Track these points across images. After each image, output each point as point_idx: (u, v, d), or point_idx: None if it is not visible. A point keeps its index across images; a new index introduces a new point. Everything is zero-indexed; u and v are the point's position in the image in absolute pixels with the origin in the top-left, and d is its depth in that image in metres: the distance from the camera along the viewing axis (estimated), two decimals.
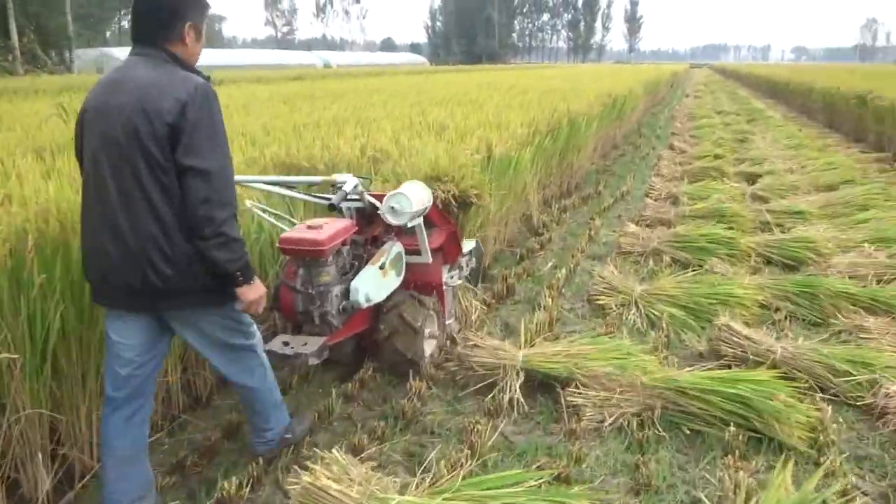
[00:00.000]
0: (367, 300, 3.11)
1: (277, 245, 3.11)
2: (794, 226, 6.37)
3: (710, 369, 3.37)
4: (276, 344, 3.01)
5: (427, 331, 3.55)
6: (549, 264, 5.55)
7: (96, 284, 2.30)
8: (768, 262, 5.55)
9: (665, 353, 3.76)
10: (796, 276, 4.74)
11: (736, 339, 3.55)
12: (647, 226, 6.66)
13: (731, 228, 6.28)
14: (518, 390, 3.28)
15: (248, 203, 3.27)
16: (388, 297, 3.35)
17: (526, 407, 3.26)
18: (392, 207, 3.17)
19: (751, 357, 3.48)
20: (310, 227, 3.06)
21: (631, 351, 3.55)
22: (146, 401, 2.44)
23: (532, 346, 3.63)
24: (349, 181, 3.14)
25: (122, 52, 42.34)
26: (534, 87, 12.92)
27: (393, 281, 3.34)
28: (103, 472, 2.40)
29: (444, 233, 3.70)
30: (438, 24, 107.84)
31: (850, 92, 14.30)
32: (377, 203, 3.27)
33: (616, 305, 4.52)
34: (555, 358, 3.39)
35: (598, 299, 4.61)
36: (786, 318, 4.33)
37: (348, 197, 3.14)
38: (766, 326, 4.22)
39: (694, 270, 5.25)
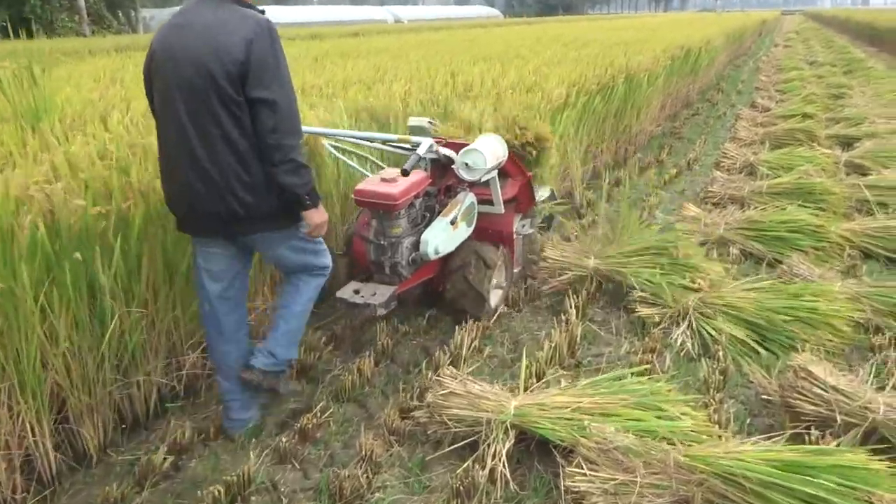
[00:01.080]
0: (437, 252, 3.14)
1: (352, 196, 3.13)
2: None
3: (777, 437, 2.40)
4: (347, 291, 3.09)
5: (494, 281, 3.55)
6: None
7: (182, 214, 2.44)
8: (867, 256, 4.40)
9: (717, 400, 2.77)
10: None
11: (818, 390, 2.53)
12: (715, 204, 5.55)
13: (819, 210, 5.10)
14: (504, 458, 2.39)
15: (326, 144, 3.44)
16: (457, 250, 3.36)
17: (514, 485, 2.37)
18: (466, 164, 3.19)
19: (840, 417, 2.46)
20: (384, 180, 3.07)
21: (669, 398, 2.59)
22: (241, 307, 2.66)
23: (531, 389, 2.71)
24: (423, 143, 3.15)
25: None
26: (600, 39, 11.64)
27: (463, 232, 3.35)
28: (211, 349, 2.69)
29: (517, 183, 3.69)
30: None
31: None
32: (452, 156, 3.25)
33: (662, 318, 3.53)
34: (558, 411, 2.47)
35: (638, 310, 3.63)
36: (890, 343, 3.25)
37: (423, 157, 3.16)
38: (862, 360, 3.16)
39: (768, 270, 4.18)
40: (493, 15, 64.46)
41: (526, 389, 2.73)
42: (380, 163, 3.76)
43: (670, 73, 9.18)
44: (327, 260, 2.72)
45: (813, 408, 2.49)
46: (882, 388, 2.69)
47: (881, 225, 4.57)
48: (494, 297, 3.63)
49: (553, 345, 3.20)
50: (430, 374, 2.99)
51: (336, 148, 3.52)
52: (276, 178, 2.32)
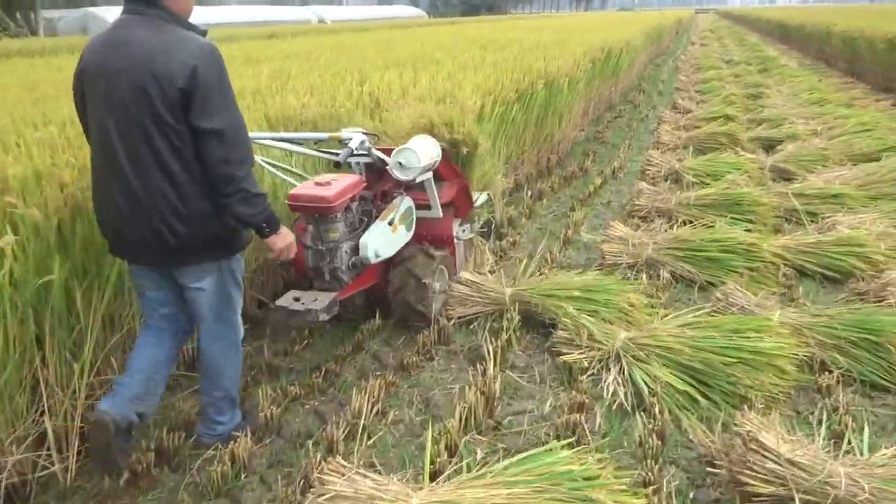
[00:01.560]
0: (377, 256, 3.13)
1: (286, 202, 3.05)
2: (831, 215, 4.93)
3: None
4: (286, 300, 3.02)
5: (437, 285, 3.51)
6: None
7: (111, 238, 2.35)
8: (802, 273, 4.14)
9: (655, 472, 2.37)
10: (845, 314, 3.29)
11: (771, 464, 2.16)
12: (642, 218, 5.23)
13: (749, 222, 4.86)
14: None
15: (259, 159, 3.20)
16: (399, 252, 3.34)
17: None
18: (400, 163, 3.18)
19: (798, 497, 2.09)
20: (318, 184, 3.04)
21: (601, 482, 2.17)
22: (179, 339, 2.56)
23: (440, 475, 2.24)
24: (355, 137, 3.13)
25: (108, 13, 41.11)
26: (519, 40, 11.31)
27: (403, 236, 3.34)
28: (127, 371, 2.46)
29: (454, 186, 3.67)
30: None
31: (877, 35, 12.60)
32: (385, 158, 3.24)
33: (590, 363, 3.13)
34: None
35: (564, 353, 3.22)
36: (838, 382, 2.94)
37: (355, 153, 3.15)
38: (810, 404, 2.84)
39: (701, 295, 3.86)
40: (416, 15, 64.30)
41: (433, 477, 2.25)
42: (308, 176, 3.55)
43: (592, 76, 8.91)
44: (239, 326, 2.61)
45: (767, 487, 2.11)
46: (838, 451, 2.34)
47: (813, 240, 4.32)
48: (437, 303, 3.56)
49: (468, 405, 2.74)
50: (318, 455, 2.48)
51: (266, 162, 3.37)
52: (229, 209, 2.26)
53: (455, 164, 3.76)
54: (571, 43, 10.10)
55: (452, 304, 3.63)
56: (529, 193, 5.58)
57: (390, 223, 3.22)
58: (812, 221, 4.98)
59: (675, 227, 4.86)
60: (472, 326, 3.58)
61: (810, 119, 8.66)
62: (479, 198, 4.10)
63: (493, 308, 3.60)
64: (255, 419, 2.77)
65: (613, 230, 4.52)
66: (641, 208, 5.31)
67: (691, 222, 5.02)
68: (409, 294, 3.40)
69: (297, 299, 3.04)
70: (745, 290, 3.70)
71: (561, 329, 3.30)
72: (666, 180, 6.37)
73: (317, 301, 3.00)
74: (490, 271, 4.05)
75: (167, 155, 2.15)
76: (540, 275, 3.94)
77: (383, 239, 3.18)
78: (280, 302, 3.03)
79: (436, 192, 3.49)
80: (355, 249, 3.18)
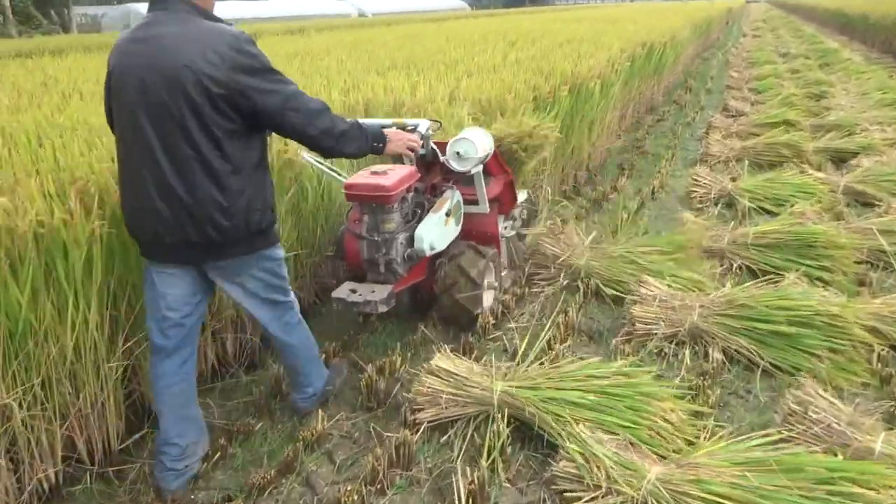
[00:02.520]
0: (432, 248, 3.07)
1: (342, 190, 2.97)
2: None
3: None
4: (343, 291, 2.97)
5: (486, 281, 3.43)
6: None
7: (145, 241, 2.28)
8: None
9: None
10: None
11: None
12: None
13: (824, 270, 3.82)
14: None
15: (304, 155, 3.22)
16: (447, 248, 3.27)
17: None
18: (458, 153, 3.15)
19: None
20: (374, 173, 2.96)
21: None
22: (193, 349, 2.46)
23: None
24: (422, 123, 3.03)
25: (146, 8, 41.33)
26: (554, 33, 10.27)
27: (453, 230, 3.27)
28: (161, 417, 2.42)
29: (501, 182, 3.61)
30: None
31: None
32: (439, 152, 3.17)
33: None
34: None
35: (567, 492, 2.25)
36: None
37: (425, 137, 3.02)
38: None
39: (767, 394, 2.84)
40: (459, 7, 63.54)
41: None
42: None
43: (630, 75, 7.83)
44: (292, 301, 2.61)
45: None
46: None
47: None
48: (487, 297, 3.49)
49: None
50: None
51: (318, 161, 3.25)
52: (341, 156, 2.46)
53: (502, 159, 3.67)
54: (609, 36, 9.02)
55: (422, 402, 2.68)
56: (548, 222, 4.59)
57: (447, 214, 3.15)
58: None
59: (728, 276, 3.83)
60: (447, 436, 2.63)
61: (886, 125, 7.44)
62: (520, 195, 3.99)
63: (476, 410, 2.64)
64: (343, 367, 3.00)
65: (646, 287, 3.50)
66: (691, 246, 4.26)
67: (750, 269, 4.00)
68: (460, 292, 3.27)
69: (353, 291, 2.98)
70: (828, 389, 2.67)
71: (565, 458, 2.32)
72: (716, 205, 5.31)
73: (374, 293, 2.95)
74: (476, 358, 3.10)
75: (207, 149, 2.11)
76: (544, 360, 2.94)
77: (438, 231, 3.10)
78: (336, 293, 2.97)
79: (484, 188, 3.39)
80: (410, 241, 3.09)
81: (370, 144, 2.45)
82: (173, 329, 2.34)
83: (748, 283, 3.53)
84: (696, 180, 5.62)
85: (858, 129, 7.35)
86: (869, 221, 4.39)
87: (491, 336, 3.43)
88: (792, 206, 5.03)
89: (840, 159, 6.53)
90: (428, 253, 3.06)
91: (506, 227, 3.84)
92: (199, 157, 2.11)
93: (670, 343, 3.21)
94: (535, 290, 3.93)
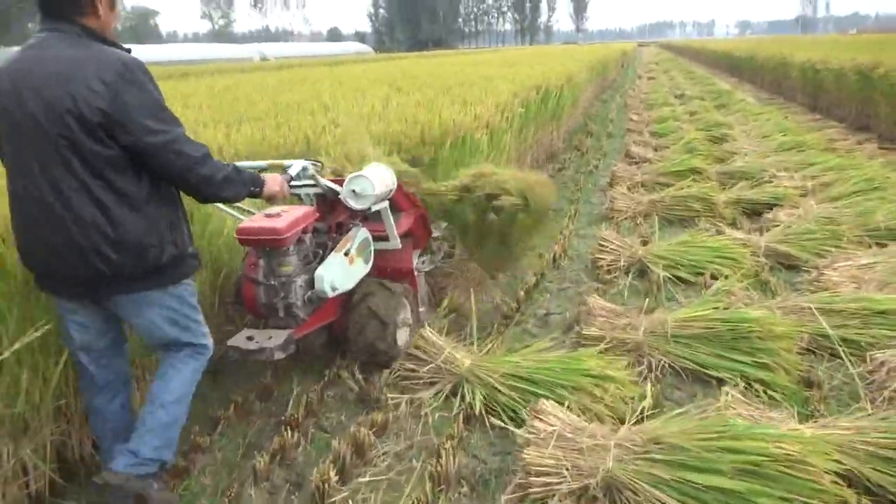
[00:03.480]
0: (333, 289, 2.97)
1: (234, 236, 2.89)
2: (883, 351, 3.14)
3: None
4: (239, 339, 2.85)
5: (399, 318, 3.31)
6: None
7: (40, 273, 2.20)
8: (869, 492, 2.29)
9: None
10: None
11: None
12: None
13: (764, 368, 3.06)
14: None
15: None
16: (357, 288, 3.20)
17: None
18: (353, 191, 3.08)
19: None
20: (268, 216, 2.88)
21: None
22: (123, 386, 2.40)
23: None
24: (295, 165, 2.90)
25: (2, 54, 39.19)
26: (448, 77, 9.59)
27: (360, 269, 3.19)
28: (101, 445, 2.41)
29: (412, 216, 3.57)
30: (382, 11, 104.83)
31: (847, 66, 11.23)
32: (336, 188, 3.11)
33: None
34: None
35: None
36: None
37: (295, 182, 2.93)
38: None
39: None
40: (364, 51, 64.12)
41: None
42: (254, 211, 3.14)
43: (525, 121, 7.14)
44: (207, 339, 2.39)
45: None
46: None
47: (876, 422, 2.49)
48: (402, 335, 3.34)
49: None
50: None
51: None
52: (216, 201, 2.46)
53: (412, 194, 3.63)
54: (503, 80, 8.35)
55: None
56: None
57: (346, 254, 3.06)
58: (859, 359, 3.18)
59: (648, 388, 2.99)
60: None
61: (794, 171, 7.00)
62: (437, 228, 3.99)
63: None
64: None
65: (544, 418, 2.58)
66: (593, 341, 3.42)
67: (673, 370, 3.19)
68: (371, 334, 3.19)
69: (250, 338, 2.84)
70: None
71: None
72: (627, 274, 4.54)
73: (271, 339, 2.81)
74: None
75: (90, 179, 2.00)
76: None
77: (340, 271, 3.02)
78: (232, 342, 2.83)
79: (393, 223, 3.34)
80: (310, 283, 2.99)
81: (248, 189, 2.33)
82: (90, 367, 2.29)
83: (674, 413, 2.67)
84: (602, 245, 4.85)
85: (766, 175, 6.87)
86: (805, 298, 3.68)
87: (332, 502, 2.43)
88: (711, 275, 4.35)
89: (753, 212, 5.97)
90: (330, 294, 2.96)
91: (423, 262, 3.79)
92: (82, 186, 2.00)
93: (578, 502, 2.30)
94: (404, 407, 2.99)
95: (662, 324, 3.38)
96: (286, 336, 2.84)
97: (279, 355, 2.78)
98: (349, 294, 3.19)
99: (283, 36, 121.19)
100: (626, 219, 5.94)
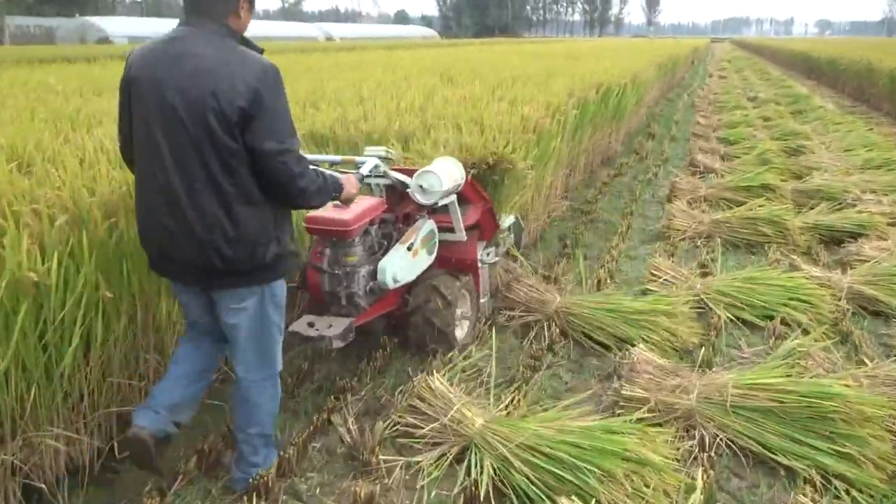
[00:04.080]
0: (395, 281, 3.02)
1: (303, 224, 2.96)
2: None
3: None
4: (300, 325, 2.91)
5: (459, 310, 3.37)
6: None
7: (153, 255, 2.28)
8: None
9: None
10: None
11: None
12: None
13: (846, 462, 2.44)
14: None
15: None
16: (421, 275, 3.21)
17: None
18: (421, 186, 3.07)
19: None
20: (336, 206, 2.87)
21: None
22: (219, 348, 2.47)
23: None
24: (367, 162, 2.96)
25: (106, 22, 40.32)
26: (505, 69, 8.98)
27: (424, 260, 3.21)
28: (166, 378, 2.41)
29: (479, 209, 3.54)
30: None
31: None
32: (406, 180, 3.11)
33: None
34: None
35: None
36: None
37: (365, 178, 2.98)
38: None
39: None
40: (429, 35, 63.96)
41: None
42: None
43: (580, 124, 6.51)
44: (278, 359, 2.42)
45: None
46: None
47: None
48: (460, 330, 3.41)
49: None
50: None
51: None
52: (307, 209, 2.69)
53: (480, 187, 3.61)
54: (561, 75, 7.72)
55: None
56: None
57: (409, 248, 3.07)
58: None
59: (700, 476, 2.40)
60: None
61: (881, 194, 6.21)
62: (506, 220, 4.02)
63: None
64: None
65: None
66: (635, 403, 2.85)
67: (731, 448, 2.60)
68: (432, 312, 3.21)
69: (311, 325, 2.88)
70: None
71: None
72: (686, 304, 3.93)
73: (332, 327, 2.84)
74: None
75: (221, 176, 2.06)
76: None
77: (403, 263, 3.03)
78: (294, 327, 2.87)
79: (460, 216, 3.35)
80: (374, 274, 3.02)
81: (331, 196, 2.38)
82: (200, 330, 2.40)
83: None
84: (654, 274, 4.24)
85: (849, 197, 6.11)
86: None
87: None
88: (782, 320, 3.72)
89: (833, 240, 5.26)
90: (391, 286, 3.01)
91: (488, 254, 3.75)
92: (211, 181, 2.06)
93: None
94: (398, 473, 2.49)
95: (721, 388, 2.78)
96: (346, 325, 2.86)
97: (338, 344, 2.81)
98: (412, 284, 3.24)
99: (352, 17, 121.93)
100: (684, 239, 5.30)
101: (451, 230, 3.39)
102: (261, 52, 2.16)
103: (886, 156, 7.85)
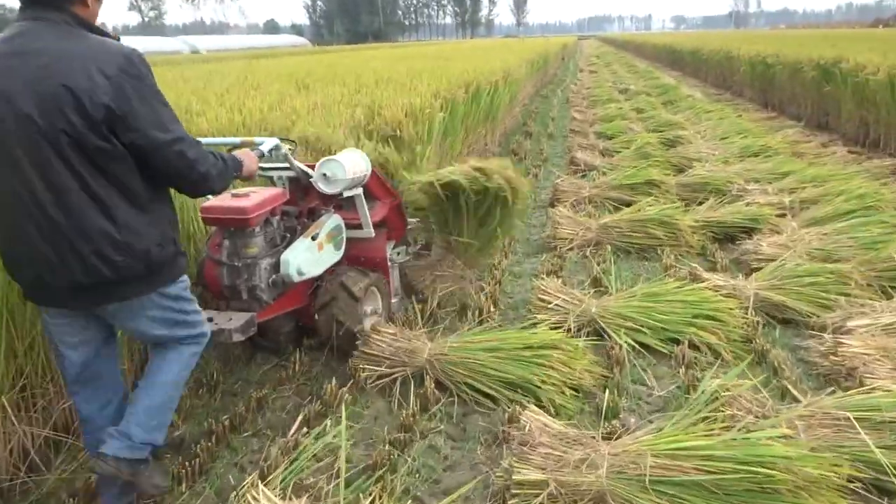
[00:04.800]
0: (300, 273, 2.89)
1: (199, 214, 2.92)
2: None
3: None
4: None
5: (369, 307, 3.31)
6: None
7: (28, 285, 2.04)
8: None
9: None
10: None
11: None
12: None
13: None
14: None
15: None
16: (328, 271, 3.14)
17: None
18: (325, 174, 2.99)
19: None
20: (235, 196, 2.81)
21: None
22: (114, 394, 2.25)
23: None
24: (267, 142, 2.74)
25: None
26: (369, 72, 8.28)
27: (330, 255, 3.12)
28: (87, 441, 2.26)
29: (387, 205, 3.48)
30: (320, 3, 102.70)
31: (804, 61, 10.35)
32: (308, 171, 3.03)
33: None
34: None
35: None
36: None
37: (267, 163, 2.96)
38: None
39: None
40: (300, 44, 62.27)
41: None
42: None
43: (451, 126, 5.88)
44: (203, 327, 2.30)
45: None
46: None
47: None
48: (368, 322, 3.26)
49: None
50: None
51: None
52: (210, 195, 2.58)
53: (387, 182, 3.54)
54: (429, 75, 7.09)
55: None
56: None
57: (314, 238, 2.96)
58: None
59: None
60: None
61: (765, 183, 5.96)
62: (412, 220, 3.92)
63: None
64: (163, 474, 2.30)
65: None
66: (530, 489, 2.18)
67: None
68: (339, 309, 3.09)
69: (209, 320, 2.71)
70: None
71: None
72: (581, 332, 3.34)
73: (232, 321, 2.74)
74: None
75: (92, 178, 1.86)
76: None
77: (307, 256, 2.91)
78: None
79: (367, 210, 3.23)
80: (276, 266, 2.90)
81: (233, 176, 2.25)
82: (80, 375, 2.14)
83: None
84: (542, 299, 3.63)
85: (734, 188, 5.83)
86: (835, 401, 2.51)
87: None
88: (690, 342, 3.21)
89: (726, 237, 4.89)
90: (296, 279, 2.88)
91: (398, 253, 3.70)
92: (83, 187, 1.85)
93: None
94: None
95: (636, 459, 2.17)
96: (247, 318, 2.75)
97: (237, 337, 2.71)
98: (319, 278, 3.11)
99: (220, 28, 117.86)
100: (572, 249, 4.76)
101: (360, 226, 3.26)
102: (117, 39, 1.94)
103: (761, 142, 7.74)
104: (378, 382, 3.04)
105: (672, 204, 5.23)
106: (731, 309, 3.44)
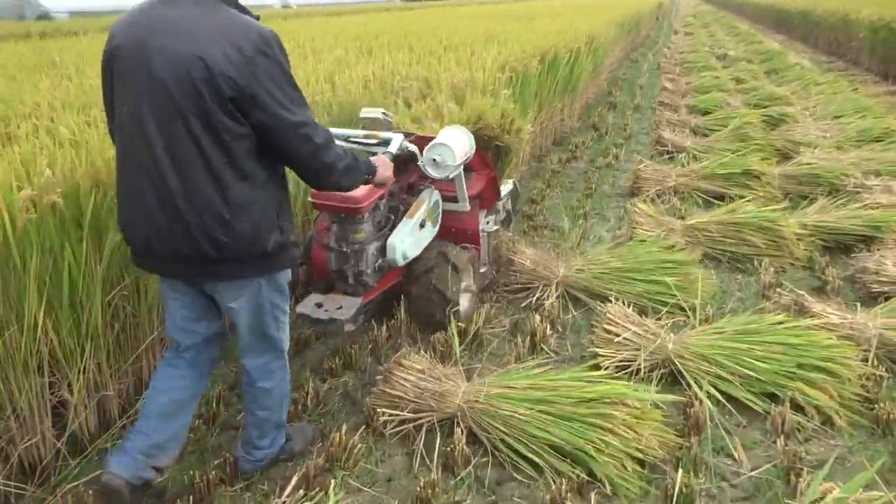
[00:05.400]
0: (405, 258, 2.92)
1: (310, 199, 2.88)
2: None
3: None
4: (307, 306, 2.79)
5: (463, 284, 3.22)
6: None
7: (136, 248, 2.04)
8: None
9: None
10: None
11: None
12: None
13: None
14: None
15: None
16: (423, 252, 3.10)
17: None
18: (434, 160, 2.92)
19: None
20: None
21: None
22: (204, 372, 2.25)
23: None
24: (394, 140, 2.75)
25: None
26: (438, 36, 7.66)
27: (429, 232, 3.11)
28: (143, 417, 2.16)
29: (483, 178, 3.42)
30: None
31: None
32: (417, 153, 2.91)
33: None
34: None
35: None
36: None
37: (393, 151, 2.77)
38: None
39: None
40: None
41: None
42: None
43: (521, 103, 5.23)
44: (285, 342, 2.25)
45: None
46: None
47: None
48: (464, 301, 3.23)
49: None
50: None
51: None
52: (335, 190, 2.38)
53: (486, 155, 3.48)
54: (508, 41, 6.41)
55: None
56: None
57: (421, 225, 2.98)
58: None
59: None
60: None
61: (890, 177, 5.07)
62: (504, 187, 3.86)
63: None
64: (307, 432, 2.50)
65: None
66: None
67: None
68: (438, 278, 3.05)
69: (319, 305, 2.77)
70: None
71: None
72: (653, 374, 2.73)
73: (341, 309, 2.75)
74: None
75: (213, 153, 1.84)
76: None
77: (412, 240, 2.93)
78: (300, 308, 2.76)
79: (465, 186, 3.18)
80: (382, 251, 2.91)
81: (364, 178, 2.20)
82: (184, 347, 2.16)
83: None
84: (608, 330, 3.01)
85: (850, 183, 4.97)
86: None
87: None
88: (792, 401, 2.55)
89: (839, 247, 4.10)
90: (401, 263, 2.90)
91: (487, 222, 3.62)
92: (203, 160, 1.84)
93: None
94: None
95: None
96: (356, 307, 2.76)
97: (349, 328, 2.73)
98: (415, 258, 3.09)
99: None
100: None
101: (455, 199, 3.24)
102: (257, 18, 1.92)
103: (882, 124, 6.68)
104: (399, 429, 2.54)
105: (774, 204, 4.46)
106: (846, 357, 2.74)
